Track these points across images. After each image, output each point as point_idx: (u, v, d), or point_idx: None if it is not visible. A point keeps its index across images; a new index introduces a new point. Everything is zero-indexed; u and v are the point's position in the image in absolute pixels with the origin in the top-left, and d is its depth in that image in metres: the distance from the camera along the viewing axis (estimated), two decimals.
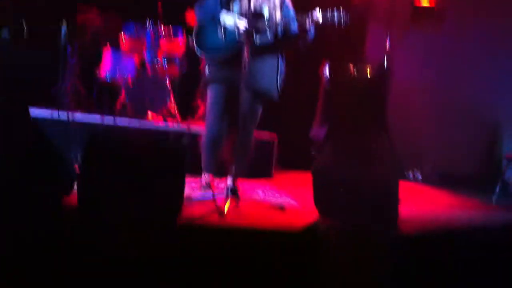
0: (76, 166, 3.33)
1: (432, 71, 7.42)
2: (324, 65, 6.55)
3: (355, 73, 6.93)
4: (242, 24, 3.81)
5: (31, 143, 3.10)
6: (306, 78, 7.01)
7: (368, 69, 6.91)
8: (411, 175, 6.61)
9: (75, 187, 3.16)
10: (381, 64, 7.13)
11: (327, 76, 6.52)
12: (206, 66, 4.14)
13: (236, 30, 3.86)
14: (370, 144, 3.80)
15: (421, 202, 4.85)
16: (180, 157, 3.24)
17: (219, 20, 3.93)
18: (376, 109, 7.08)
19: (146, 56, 5.94)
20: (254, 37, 3.83)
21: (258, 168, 5.14)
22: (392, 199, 3.58)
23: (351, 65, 6.94)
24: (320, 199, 3.65)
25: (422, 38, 7.52)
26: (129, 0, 6.46)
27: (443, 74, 7.41)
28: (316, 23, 3.80)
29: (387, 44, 7.34)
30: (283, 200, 4.20)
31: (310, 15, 3.80)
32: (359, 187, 3.50)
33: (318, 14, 3.78)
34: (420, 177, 6.52)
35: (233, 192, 3.63)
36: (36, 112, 4.89)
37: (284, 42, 4.01)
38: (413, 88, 7.34)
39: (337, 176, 3.59)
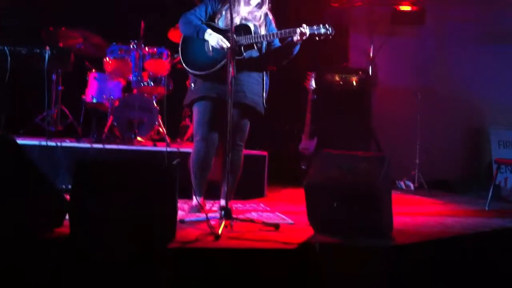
0: (67, 195, 3.30)
1: (417, 77, 7.48)
2: (310, 76, 6.57)
3: (341, 82, 6.96)
4: (225, 44, 3.83)
5: (20, 174, 3.07)
6: (291, 91, 7.04)
7: (353, 77, 6.94)
8: (402, 185, 6.62)
9: (67, 217, 3.13)
10: (366, 71, 7.18)
11: (313, 87, 6.54)
12: (192, 82, 4.13)
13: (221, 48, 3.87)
14: (360, 154, 3.80)
15: (414, 212, 4.86)
16: (171, 179, 3.22)
17: (203, 37, 3.93)
18: (364, 118, 7.12)
19: (131, 78, 5.92)
20: (242, 52, 3.85)
21: (251, 186, 5.14)
22: (385, 211, 3.58)
23: (336, 75, 6.97)
24: (314, 215, 3.64)
25: (404, 42, 7.59)
26: (112, 23, 6.47)
27: (428, 79, 7.47)
28: (301, 36, 3.81)
29: (371, 51, 7.40)
30: (277, 218, 4.19)
31: (297, 30, 3.81)
32: (351, 200, 3.50)
33: (305, 29, 3.80)
34: (412, 187, 6.54)
35: (227, 213, 3.60)
36: (23, 141, 4.86)
37: (269, 57, 4.06)
38: (399, 95, 7.39)
39: (330, 190, 3.59)
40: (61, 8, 6.42)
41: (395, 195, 4.64)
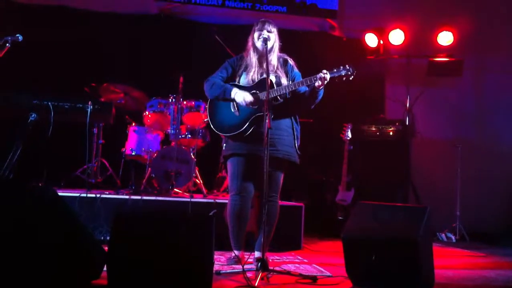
0: (105, 246, 3.33)
1: (456, 128, 7.41)
2: (346, 128, 6.57)
3: (377, 133, 6.93)
4: (251, 98, 3.91)
5: (60, 225, 3.12)
6: (328, 142, 7.05)
7: (390, 128, 6.91)
8: (443, 237, 6.46)
9: (105, 268, 3.15)
10: (403, 122, 7.14)
11: (349, 138, 6.53)
12: (224, 142, 4.19)
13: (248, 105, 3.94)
14: (399, 205, 3.74)
15: (455, 265, 4.71)
16: (208, 230, 3.21)
17: (229, 96, 4.01)
18: (402, 168, 7.03)
19: (170, 131, 6.04)
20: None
21: (287, 238, 5.10)
22: (426, 264, 3.48)
23: (372, 126, 6.96)
24: (352, 267, 3.57)
25: (442, 93, 7.56)
26: (152, 77, 6.67)
27: (468, 130, 7.39)
28: (323, 81, 3.84)
29: (407, 102, 7.38)
30: (314, 270, 4.12)
31: (317, 76, 3.86)
32: (391, 253, 3.42)
33: (325, 74, 3.85)
34: (453, 239, 6.37)
35: (263, 264, 3.57)
36: (64, 193, 4.96)
37: (295, 104, 4.08)
38: (438, 146, 7.31)
39: (368, 243, 3.52)
40: (103, 64, 6.68)
41: (436, 248, 4.52)
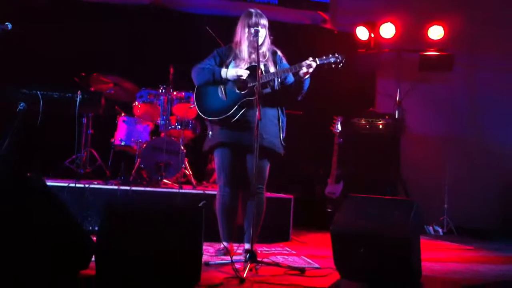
0: (94, 236, 3.32)
1: (446, 122, 7.44)
2: (336, 120, 6.58)
3: (367, 126, 6.95)
4: (244, 72, 3.91)
5: (48, 215, 3.10)
6: (317, 135, 7.06)
7: (380, 122, 6.93)
8: (431, 230, 6.50)
9: (93, 258, 3.14)
10: (393, 116, 7.16)
11: (339, 131, 6.54)
12: (209, 130, 4.18)
13: (238, 88, 3.95)
14: (388, 199, 3.76)
15: (443, 258, 4.75)
16: (197, 222, 3.21)
17: (220, 78, 3.99)
18: (391, 162, 7.06)
19: (159, 122, 6.02)
20: (254, 93, 3.84)
21: (276, 230, 5.11)
22: (413, 257, 3.50)
23: (362, 119, 6.98)
24: (340, 260, 3.59)
25: (433, 88, 7.58)
26: (142, 68, 6.64)
27: (458, 125, 7.42)
28: (308, 68, 3.84)
29: (397, 95, 7.41)
30: (302, 262, 4.14)
31: (303, 63, 3.87)
32: (379, 246, 3.44)
33: (311, 60, 3.86)
34: (441, 232, 6.42)
35: (252, 256, 3.58)
36: (53, 183, 4.94)
37: (282, 94, 4.07)
38: (428, 140, 7.34)
39: (357, 235, 3.54)
40: (94, 54, 6.64)
41: (424, 241, 4.54)
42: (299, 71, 3.89)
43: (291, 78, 4.09)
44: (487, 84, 7.54)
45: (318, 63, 3.88)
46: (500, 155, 7.20)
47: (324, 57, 3.90)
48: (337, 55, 3.90)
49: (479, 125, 7.49)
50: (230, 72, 3.99)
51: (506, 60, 7.47)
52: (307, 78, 3.95)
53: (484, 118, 7.52)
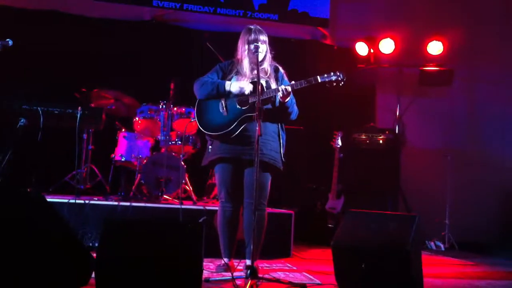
0: (94, 253, 3.31)
1: (446, 137, 7.45)
2: (337, 135, 6.58)
3: (368, 141, 6.95)
4: (248, 86, 3.93)
5: (48, 231, 3.09)
6: (318, 150, 7.06)
7: (380, 137, 6.93)
8: (432, 245, 6.47)
9: (93, 275, 3.13)
10: (393, 131, 7.17)
11: (339, 146, 6.54)
12: (209, 144, 4.17)
13: (239, 103, 3.95)
14: (389, 214, 3.75)
15: (444, 274, 4.72)
16: (197, 237, 3.20)
17: (223, 91, 4.00)
18: (392, 176, 7.05)
19: (160, 137, 6.02)
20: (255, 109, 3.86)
21: (277, 246, 5.09)
22: (415, 273, 3.49)
23: (363, 134, 6.98)
24: (342, 276, 3.57)
25: (432, 103, 7.60)
26: (143, 83, 6.66)
27: (458, 139, 7.43)
28: (283, 91, 3.87)
29: (398, 110, 7.42)
30: (304, 278, 4.11)
31: (281, 87, 3.89)
32: (381, 262, 3.42)
33: (287, 85, 3.90)
34: (442, 248, 6.39)
35: (252, 272, 3.55)
36: (53, 199, 4.93)
37: (283, 110, 4.06)
38: (428, 155, 7.34)
39: (358, 251, 3.52)
40: (95, 70, 6.66)
41: (425, 256, 4.52)
42: (275, 95, 3.92)
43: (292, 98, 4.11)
44: (486, 97, 7.57)
45: (319, 81, 3.90)
46: (500, 168, 7.20)
47: (325, 75, 3.92)
48: (338, 73, 3.91)
49: (478, 138, 7.50)
50: (233, 86, 4.00)
51: (505, 73, 7.51)
52: (287, 101, 3.96)
53: (484, 131, 7.53)
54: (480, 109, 7.64)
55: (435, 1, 7.62)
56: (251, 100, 3.95)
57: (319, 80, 3.89)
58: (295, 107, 4.11)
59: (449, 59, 7.28)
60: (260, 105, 3.70)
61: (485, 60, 7.51)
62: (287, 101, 3.97)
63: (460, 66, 7.39)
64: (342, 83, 3.91)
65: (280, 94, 3.90)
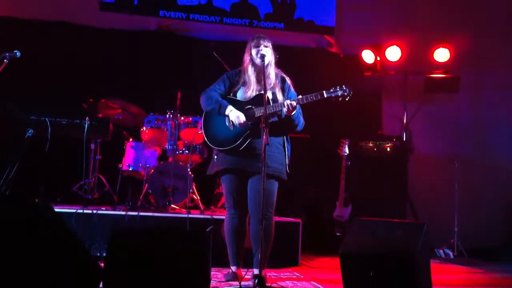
0: (101, 262, 3.31)
1: (453, 144, 7.43)
2: (344, 143, 6.57)
3: (375, 149, 6.94)
4: (242, 120, 3.93)
5: (56, 242, 3.10)
6: (325, 158, 7.05)
7: (388, 145, 6.92)
8: (441, 253, 6.44)
9: (101, 285, 3.13)
10: (400, 138, 7.16)
11: (346, 154, 6.53)
12: (215, 154, 4.19)
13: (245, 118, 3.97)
14: (397, 221, 3.73)
15: (454, 282, 4.69)
16: (204, 246, 3.20)
17: (224, 114, 4.02)
18: (399, 183, 7.04)
19: (167, 147, 6.03)
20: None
21: (284, 254, 5.07)
22: (424, 281, 3.47)
23: (370, 142, 6.98)
24: (350, 284, 3.55)
25: (439, 110, 7.59)
26: (149, 93, 6.69)
27: (465, 146, 7.41)
28: (288, 106, 3.88)
29: (405, 117, 7.41)
30: (311, 287, 4.10)
31: (285, 102, 3.90)
32: (389, 270, 3.41)
33: (292, 100, 3.90)
34: (451, 255, 6.35)
35: (260, 281, 3.55)
36: (60, 209, 4.94)
37: (285, 123, 4.08)
38: (435, 162, 7.32)
39: (366, 259, 3.51)
40: (101, 80, 6.70)
41: (434, 264, 4.49)
42: (281, 109, 3.93)
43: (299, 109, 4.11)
44: (493, 103, 7.55)
45: (325, 96, 3.92)
46: (508, 173, 7.17)
47: (331, 90, 3.92)
48: (344, 88, 3.91)
49: (485, 144, 7.47)
50: (232, 115, 3.98)
51: (511, 79, 7.48)
52: (294, 115, 3.97)
53: (491, 137, 7.50)
54: (487, 115, 7.61)
55: (440, 8, 7.61)
56: (257, 114, 3.96)
57: (325, 96, 3.90)
58: (301, 119, 4.11)
59: (456, 65, 7.26)
60: (266, 115, 3.71)
61: (492, 67, 7.49)
62: (293, 114, 3.98)
63: (466, 73, 7.37)
64: (348, 98, 3.92)
65: (285, 109, 3.91)
